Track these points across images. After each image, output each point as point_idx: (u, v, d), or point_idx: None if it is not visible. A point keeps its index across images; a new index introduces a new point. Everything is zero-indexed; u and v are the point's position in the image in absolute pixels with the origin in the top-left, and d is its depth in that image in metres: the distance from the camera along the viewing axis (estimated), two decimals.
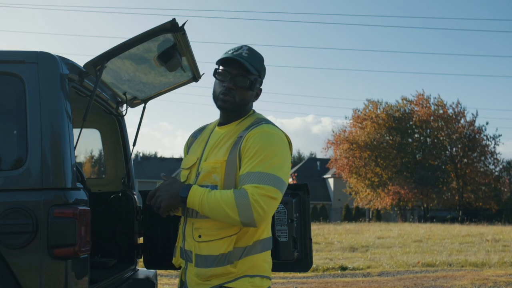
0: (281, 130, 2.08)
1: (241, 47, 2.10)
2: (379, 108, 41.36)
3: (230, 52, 2.09)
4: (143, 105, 3.56)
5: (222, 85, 2.07)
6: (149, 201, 2.05)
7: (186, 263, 2.11)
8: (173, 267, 4.00)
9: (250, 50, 2.09)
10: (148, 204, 2.05)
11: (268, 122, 2.09)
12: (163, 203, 2.01)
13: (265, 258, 2.08)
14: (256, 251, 2.03)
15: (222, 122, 2.17)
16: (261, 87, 2.18)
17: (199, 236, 2.02)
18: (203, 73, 3.34)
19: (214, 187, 2.00)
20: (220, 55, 2.14)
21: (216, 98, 2.11)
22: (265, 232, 2.08)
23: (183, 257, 2.14)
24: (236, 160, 2.00)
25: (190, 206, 1.98)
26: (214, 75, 2.12)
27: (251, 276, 2.01)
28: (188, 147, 2.30)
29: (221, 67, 2.09)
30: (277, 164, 1.95)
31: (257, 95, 2.17)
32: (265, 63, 2.17)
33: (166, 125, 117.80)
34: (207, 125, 2.30)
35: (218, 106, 2.10)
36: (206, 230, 2.01)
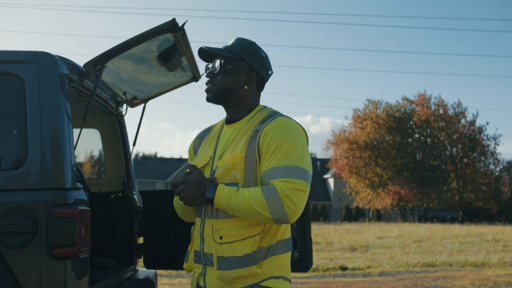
0: (297, 122, 2.01)
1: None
2: (379, 108, 41.39)
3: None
4: (143, 105, 3.56)
5: None
6: (173, 188, 2.00)
7: (205, 268, 2.00)
8: (173, 267, 4.01)
9: (232, 42, 2.08)
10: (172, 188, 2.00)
11: (282, 115, 2.02)
12: (185, 200, 1.95)
13: (288, 259, 2.01)
14: (280, 251, 1.97)
15: (229, 120, 2.11)
16: (251, 72, 2.05)
17: (220, 238, 1.93)
18: (203, 73, 3.31)
19: (235, 184, 1.92)
20: None
21: None
22: (287, 231, 2.02)
23: (199, 261, 2.02)
24: (255, 155, 1.92)
25: (217, 207, 1.90)
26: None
27: (277, 278, 1.94)
28: (195, 148, 2.23)
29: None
30: (300, 156, 1.89)
31: (249, 81, 2.06)
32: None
33: (165, 125, 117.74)
34: (213, 125, 2.24)
35: (206, 99, 2.09)
36: (228, 231, 1.92)
